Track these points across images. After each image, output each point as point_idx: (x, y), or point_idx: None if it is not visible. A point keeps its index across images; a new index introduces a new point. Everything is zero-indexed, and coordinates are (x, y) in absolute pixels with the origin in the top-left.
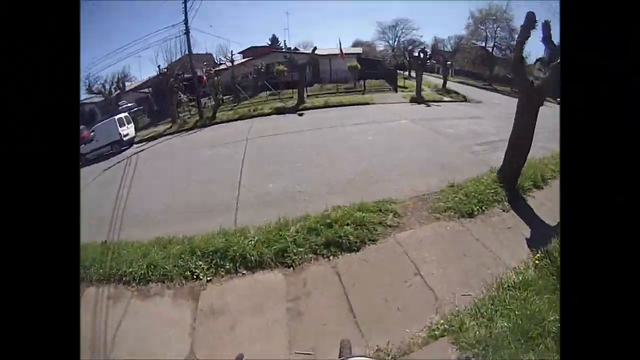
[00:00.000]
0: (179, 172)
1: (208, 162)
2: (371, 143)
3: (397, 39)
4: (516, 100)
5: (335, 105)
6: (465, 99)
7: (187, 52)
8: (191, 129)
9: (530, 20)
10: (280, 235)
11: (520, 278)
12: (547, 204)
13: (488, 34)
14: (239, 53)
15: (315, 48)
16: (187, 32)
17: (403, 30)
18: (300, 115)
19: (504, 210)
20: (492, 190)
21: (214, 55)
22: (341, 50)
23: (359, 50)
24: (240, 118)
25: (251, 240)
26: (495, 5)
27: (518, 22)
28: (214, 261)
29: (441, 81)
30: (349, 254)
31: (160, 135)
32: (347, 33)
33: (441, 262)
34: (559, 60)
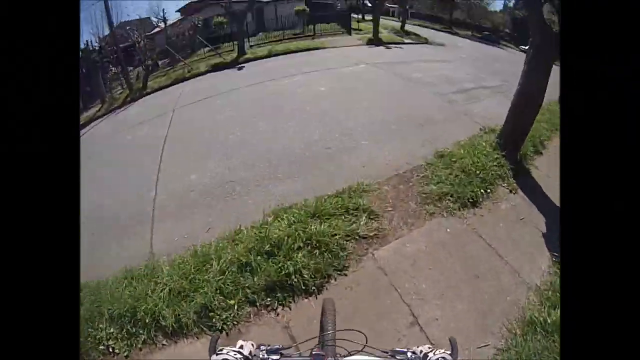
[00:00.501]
0: (93, 170)
1: (126, 150)
2: (325, 97)
3: None
4: (479, 45)
5: (281, 53)
6: (427, 41)
7: (119, 21)
8: (121, 106)
9: None
10: (200, 280)
11: (555, 316)
12: (552, 176)
13: None
14: (177, 11)
15: None
16: None
17: None
18: (240, 69)
19: (511, 191)
20: (494, 162)
21: (152, 19)
22: None
23: None
24: (174, 82)
25: (163, 290)
26: None
27: None
28: (124, 328)
29: (398, 24)
30: (305, 301)
31: (90, 120)
32: None
33: (446, 294)
34: None
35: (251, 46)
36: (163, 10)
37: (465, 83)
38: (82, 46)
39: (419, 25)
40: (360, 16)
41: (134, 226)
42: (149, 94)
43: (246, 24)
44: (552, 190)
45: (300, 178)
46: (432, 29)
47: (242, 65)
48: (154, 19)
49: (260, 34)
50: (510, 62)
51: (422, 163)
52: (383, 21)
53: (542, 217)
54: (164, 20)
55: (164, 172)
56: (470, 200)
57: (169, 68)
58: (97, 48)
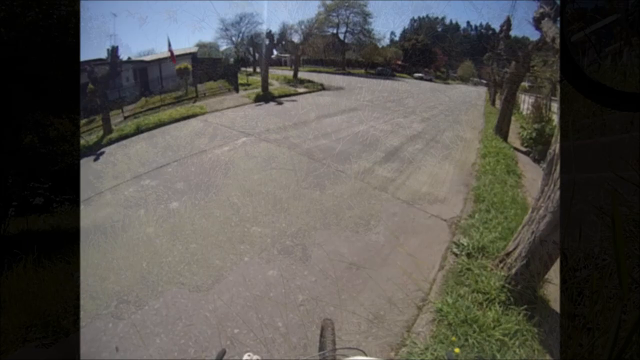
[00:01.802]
0: None
1: None
2: (172, 231)
3: (241, 35)
4: (377, 80)
5: (153, 127)
6: (323, 87)
7: None
8: None
9: None
10: None
11: None
12: None
13: (340, 20)
14: None
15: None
16: None
17: (247, 26)
18: (96, 159)
19: None
20: None
21: None
22: (171, 52)
23: (194, 49)
24: None
25: None
26: None
27: (371, 7)
28: None
29: (291, 73)
30: None
31: None
32: (189, 36)
33: None
34: None
35: (126, 117)
36: None
37: (386, 138)
38: None
39: (312, 71)
40: (251, 69)
41: None
42: None
43: (119, 90)
44: None
45: None
46: (326, 72)
47: (102, 151)
48: None
49: (143, 98)
50: (415, 93)
51: None
52: (274, 71)
53: None
54: None
55: None
56: None
57: None
58: None
